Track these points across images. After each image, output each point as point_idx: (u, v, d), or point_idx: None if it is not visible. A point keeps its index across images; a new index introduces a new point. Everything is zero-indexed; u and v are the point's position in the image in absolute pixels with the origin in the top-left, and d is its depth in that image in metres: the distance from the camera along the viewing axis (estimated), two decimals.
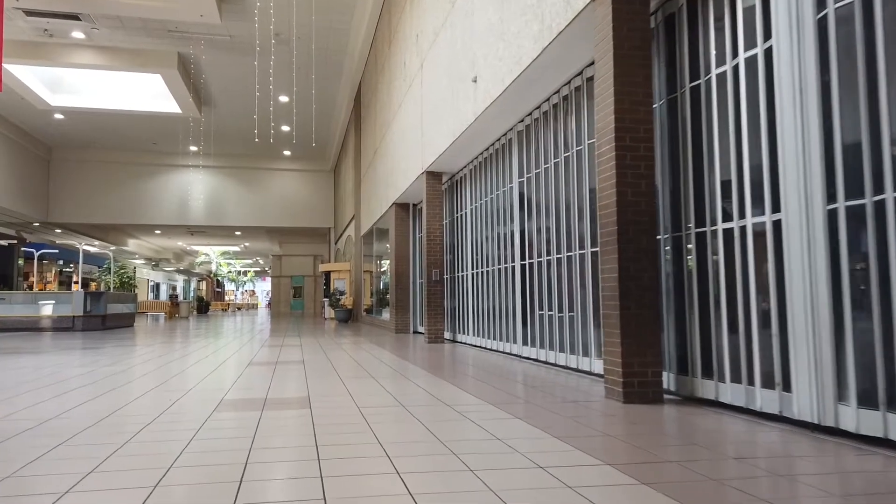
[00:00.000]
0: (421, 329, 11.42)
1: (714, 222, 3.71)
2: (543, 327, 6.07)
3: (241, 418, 3.31)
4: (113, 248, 32.29)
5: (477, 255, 8.28)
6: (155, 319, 22.21)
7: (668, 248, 4.12)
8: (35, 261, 15.44)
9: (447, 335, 9.48)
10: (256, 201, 25.63)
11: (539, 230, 6.22)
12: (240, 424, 3.14)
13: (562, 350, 5.65)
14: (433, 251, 9.14)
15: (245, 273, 48.99)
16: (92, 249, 29.63)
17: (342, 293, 17.72)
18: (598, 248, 4.99)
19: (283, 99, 19.09)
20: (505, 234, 7.19)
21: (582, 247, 5.26)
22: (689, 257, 3.94)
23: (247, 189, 25.59)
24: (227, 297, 56.89)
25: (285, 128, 21.91)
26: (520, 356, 6.68)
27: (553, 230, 5.87)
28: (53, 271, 26.85)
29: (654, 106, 4.23)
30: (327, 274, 21.16)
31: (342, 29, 14.65)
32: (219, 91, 18.38)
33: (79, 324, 13.30)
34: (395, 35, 11.51)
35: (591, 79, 5.15)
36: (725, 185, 3.62)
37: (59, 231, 27.31)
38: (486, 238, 7.90)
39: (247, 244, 35.86)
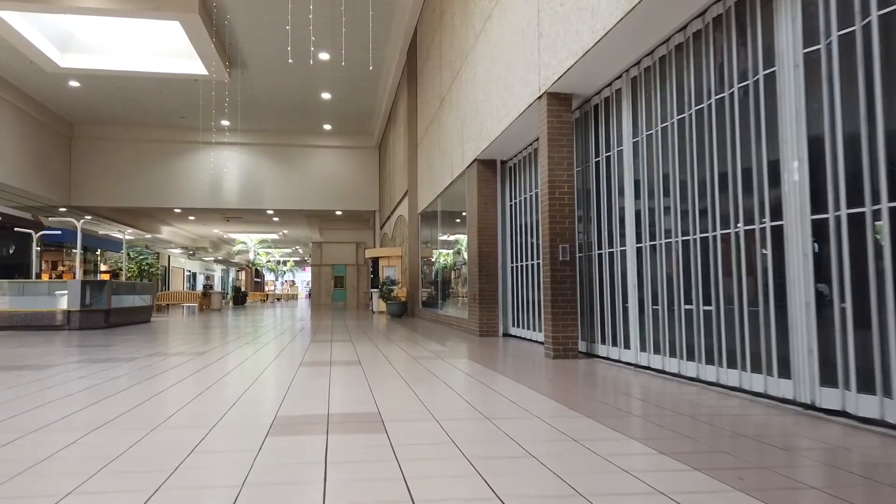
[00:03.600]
0: (518, 332, 8.07)
1: None
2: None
3: None
4: (148, 235, 29.90)
5: (648, 218, 4.87)
6: (192, 312, 19.51)
7: None
8: (35, 245, 12.68)
9: (583, 346, 6.08)
10: (294, 182, 22.66)
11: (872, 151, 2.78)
12: None
13: None
14: (559, 215, 5.76)
15: (284, 262, 46.49)
16: (104, 233, 27.32)
17: (394, 283, 14.51)
18: None
19: (324, 56, 15.91)
20: (743, 173, 3.76)
21: None
22: None
23: (283, 168, 22.64)
24: (266, 288, 54.66)
25: (325, 95, 18.78)
26: (793, 403, 3.26)
27: None
28: (77, 259, 24.43)
29: None
30: (374, 261, 18.01)
31: None
32: (249, 47, 15.31)
33: (75, 320, 10.39)
34: None
35: None
36: None
37: (89, 217, 24.92)
38: (676, 187, 4.48)
39: (285, 231, 33.10)
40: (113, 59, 15.95)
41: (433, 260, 12.52)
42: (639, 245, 5.03)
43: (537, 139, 7.32)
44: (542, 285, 5.95)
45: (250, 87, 18.06)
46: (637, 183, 5.07)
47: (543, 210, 5.86)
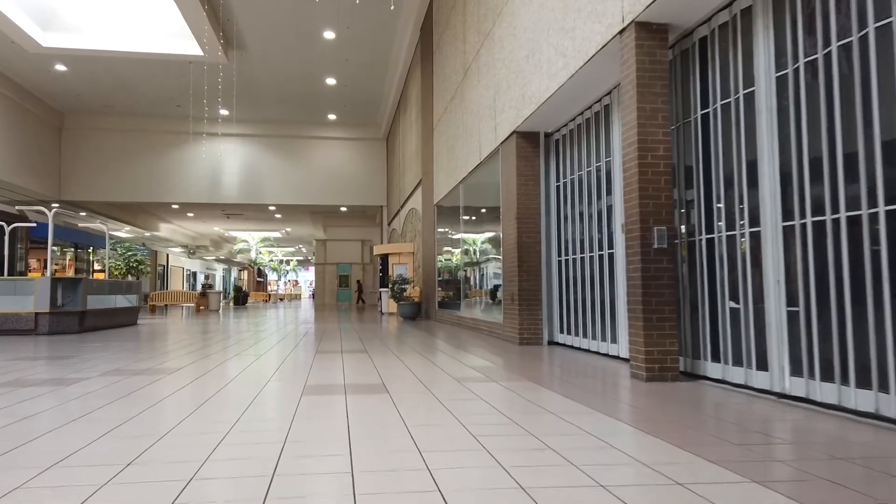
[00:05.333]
0: (568, 340, 6.49)
1: None
2: None
3: None
4: (148, 234, 28.37)
5: (810, 181, 3.31)
6: (190, 311, 17.98)
7: None
8: (6, 238, 11.18)
9: (681, 364, 4.46)
10: (297, 176, 21.12)
11: None
12: None
13: None
14: (652, 188, 4.20)
15: (287, 262, 44.91)
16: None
17: (406, 281, 12.96)
18: None
19: (329, 35, 14.37)
20: None
21: None
22: None
23: (285, 161, 21.09)
24: (269, 288, 53.11)
25: (330, 80, 17.24)
26: None
27: None
28: (68, 256, 22.88)
29: None
30: (384, 258, 16.46)
31: None
32: (247, 23, 13.74)
33: (44, 324, 8.84)
34: None
35: None
36: None
37: (83, 214, 23.41)
38: (873, 128, 2.92)
39: (288, 229, 31.56)
40: (99, 38, 14.41)
41: (453, 255, 10.97)
42: (788, 223, 3.45)
43: (600, 100, 5.77)
44: (627, 282, 4.38)
45: (249, 72, 16.51)
46: (785, 133, 3.50)
47: (630, 182, 4.29)
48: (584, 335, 6.12)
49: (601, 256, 5.76)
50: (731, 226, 3.94)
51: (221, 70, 16.20)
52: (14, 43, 14.32)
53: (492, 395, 3.54)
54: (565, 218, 6.64)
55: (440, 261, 12.04)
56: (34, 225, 11.30)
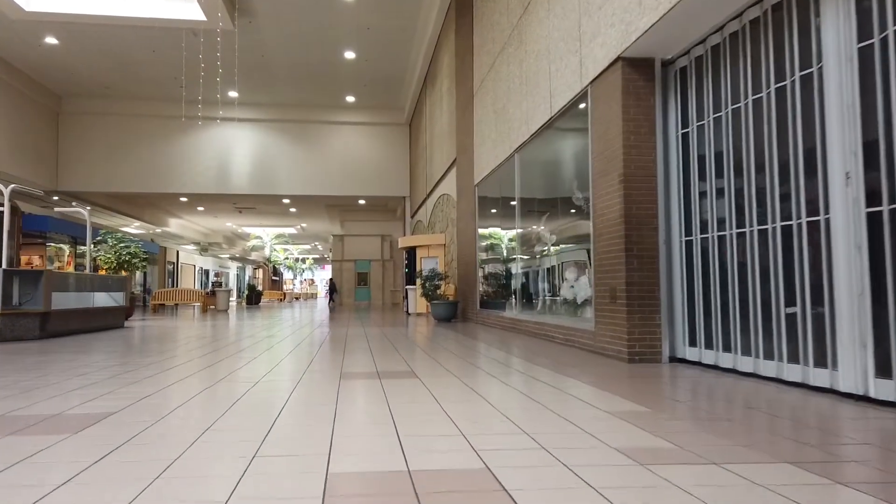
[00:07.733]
0: (704, 358, 4.31)
1: None
2: None
3: None
4: (159, 230, 26.60)
5: None
6: (198, 311, 16.04)
7: None
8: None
9: None
10: (312, 165, 19.13)
11: None
12: None
13: None
14: None
15: (303, 260, 43.06)
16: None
17: (440, 276, 10.87)
18: None
19: None
20: None
21: None
22: None
23: (300, 149, 19.11)
24: (284, 286, 51.37)
25: (349, 54, 15.20)
26: None
27: None
28: (67, 251, 21.05)
29: None
30: (410, 251, 14.39)
31: None
32: None
33: None
34: None
35: None
36: None
37: (88, 208, 21.63)
38: None
39: (303, 225, 29.63)
40: (88, 2, 12.51)
41: (502, 244, 8.85)
42: None
43: None
44: None
45: (259, 44, 14.51)
46: None
47: None
48: (745, 351, 3.97)
49: (786, 229, 3.61)
50: None
51: (227, 41, 14.22)
52: None
53: None
54: (696, 180, 4.49)
55: (483, 252, 9.92)
56: (2, 210, 9.38)
